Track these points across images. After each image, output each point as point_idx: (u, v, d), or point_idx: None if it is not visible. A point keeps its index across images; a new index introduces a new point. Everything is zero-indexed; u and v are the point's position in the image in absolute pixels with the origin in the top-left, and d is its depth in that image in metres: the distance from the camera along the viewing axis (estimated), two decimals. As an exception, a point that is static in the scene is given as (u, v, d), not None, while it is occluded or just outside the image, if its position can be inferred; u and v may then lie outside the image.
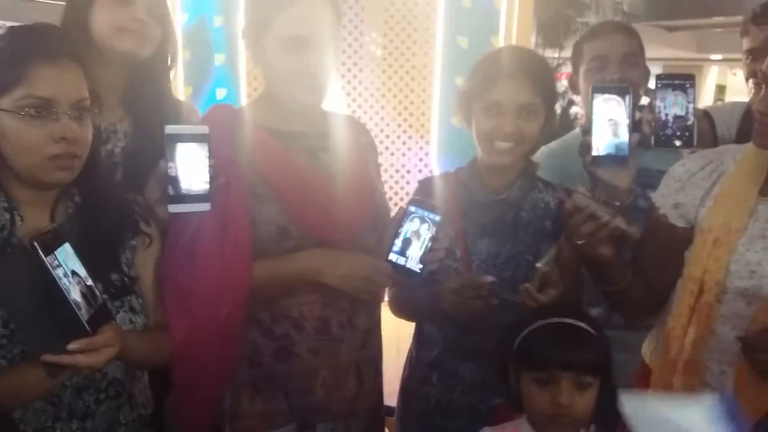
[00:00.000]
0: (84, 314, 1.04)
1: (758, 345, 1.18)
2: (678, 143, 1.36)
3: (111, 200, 1.27)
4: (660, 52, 10.25)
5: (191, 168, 1.26)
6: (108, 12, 1.54)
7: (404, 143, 2.99)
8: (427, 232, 1.31)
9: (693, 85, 1.36)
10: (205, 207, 1.27)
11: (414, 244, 1.31)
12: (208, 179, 1.27)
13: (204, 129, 1.28)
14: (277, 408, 1.42)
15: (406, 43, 2.92)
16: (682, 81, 1.36)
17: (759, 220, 1.24)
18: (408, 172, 3.02)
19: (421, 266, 1.32)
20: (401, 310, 1.62)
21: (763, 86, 1.19)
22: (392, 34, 2.90)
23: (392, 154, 3.00)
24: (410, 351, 1.67)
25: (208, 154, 1.27)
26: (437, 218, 1.31)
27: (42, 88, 1.10)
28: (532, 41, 2.99)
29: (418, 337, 1.63)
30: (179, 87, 2.67)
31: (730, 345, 1.23)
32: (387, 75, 2.95)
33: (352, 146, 1.49)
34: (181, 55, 2.63)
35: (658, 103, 1.35)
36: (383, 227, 1.44)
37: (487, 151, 1.48)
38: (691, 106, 1.35)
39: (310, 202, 1.37)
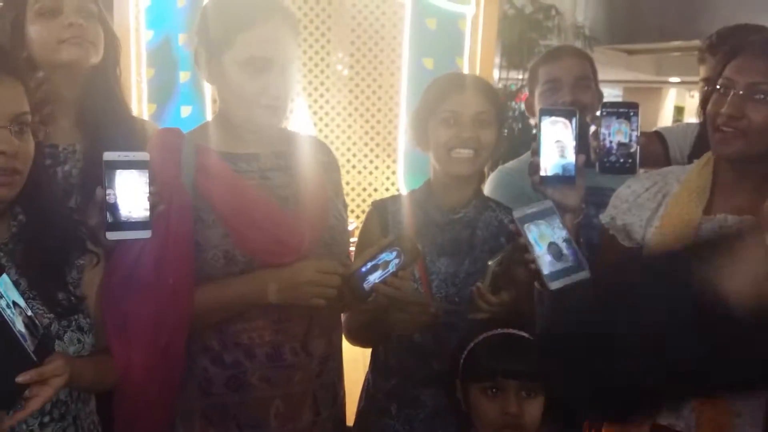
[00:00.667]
0: (30, 345, 1.01)
1: None
2: (621, 170, 1.39)
3: (56, 219, 1.25)
4: (620, 75, 10.49)
5: (131, 195, 1.23)
6: (39, 27, 1.48)
7: (371, 162, 3.00)
8: (393, 266, 1.30)
9: (637, 114, 1.40)
10: (145, 234, 1.25)
11: (378, 272, 1.31)
12: (148, 206, 1.24)
13: (144, 156, 1.25)
14: None
15: (372, 63, 2.94)
16: (626, 109, 1.40)
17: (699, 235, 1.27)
18: (375, 190, 3.03)
19: (368, 291, 1.31)
20: (355, 336, 1.59)
21: (732, 91, 1.22)
22: (359, 54, 2.92)
23: (359, 172, 3.01)
24: (366, 380, 1.64)
25: (148, 181, 1.24)
26: (409, 257, 1.30)
27: None
28: (496, 63, 3.04)
29: (374, 366, 1.61)
30: (143, 105, 2.65)
31: None
32: (354, 95, 2.97)
33: (309, 166, 1.46)
34: (146, 73, 2.62)
35: (602, 130, 1.40)
36: (340, 248, 1.44)
37: (446, 162, 1.51)
38: (634, 134, 1.39)
39: (254, 226, 1.33)
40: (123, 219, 1.23)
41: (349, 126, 2.99)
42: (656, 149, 1.93)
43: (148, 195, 1.24)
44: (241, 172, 1.38)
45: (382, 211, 1.58)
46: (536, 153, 1.39)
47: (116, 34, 1.62)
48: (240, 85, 1.33)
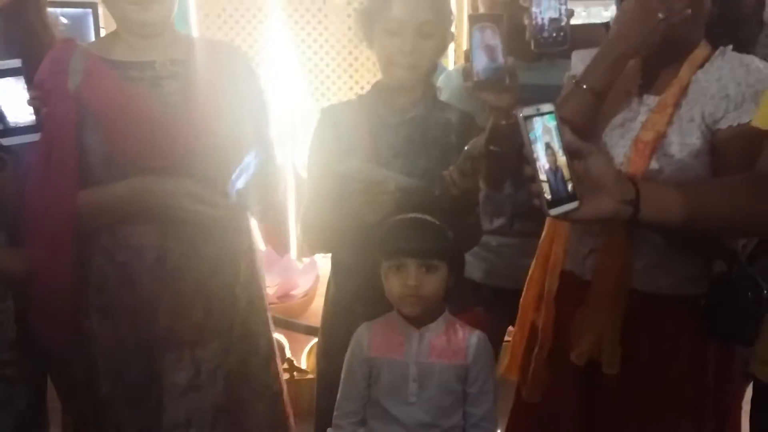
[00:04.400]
0: None
1: None
2: (554, 44, 1.44)
3: None
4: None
5: (13, 101, 1.33)
6: None
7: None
8: (252, 168, 1.39)
9: None
10: (35, 137, 1.36)
11: (243, 177, 1.39)
12: (32, 111, 1.34)
13: (16, 63, 1.33)
14: (124, 336, 1.49)
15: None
16: None
17: (626, 111, 1.42)
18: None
19: (234, 195, 1.39)
20: (314, 239, 1.67)
21: None
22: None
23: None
24: (329, 285, 1.72)
25: (26, 87, 1.33)
26: (257, 160, 1.39)
27: None
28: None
29: (335, 270, 1.69)
30: None
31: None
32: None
33: (210, 74, 1.50)
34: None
35: (533, 9, 1.43)
36: (231, 156, 1.45)
37: (389, 72, 1.55)
38: (563, 8, 1.43)
39: (128, 130, 1.42)
40: (12, 125, 1.34)
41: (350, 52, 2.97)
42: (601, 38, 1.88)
43: (29, 100, 1.34)
44: (130, 80, 1.46)
45: (333, 117, 1.61)
46: (468, 59, 1.43)
47: None
48: None
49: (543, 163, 1.01)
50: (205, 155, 1.46)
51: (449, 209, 1.47)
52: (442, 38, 1.56)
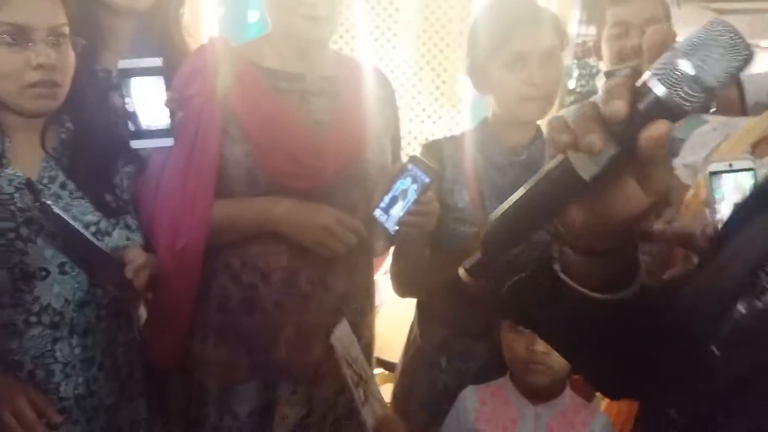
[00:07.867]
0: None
1: None
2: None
3: (101, 128, 1.30)
4: (707, 36, 9.94)
5: (149, 103, 1.23)
6: None
7: (435, 111, 2.93)
8: (413, 194, 1.25)
9: None
10: (167, 142, 1.26)
11: (399, 204, 1.26)
12: (168, 114, 1.24)
13: (157, 62, 1.23)
14: (239, 363, 1.37)
15: (443, 8, 2.84)
16: None
17: None
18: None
19: (396, 228, 1.26)
20: (407, 283, 1.53)
21: None
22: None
23: (422, 121, 2.96)
24: (412, 330, 1.59)
25: (164, 88, 1.23)
26: (426, 180, 1.24)
27: (17, 15, 1.10)
28: (576, 17, 2.89)
29: (422, 316, 1.56)
30: (212, 8, 2.44)
31: None
32: (422, 41, 2.88)
33: (359, 95, 1.40)
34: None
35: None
36: (372, 184, 1.37)
37: (515, 109, 1.40)
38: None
39: (275, 145, 1.31)
40: (144, 127, 1.25)
41: (415, 74, 2.92)
42: (731, 96, 1.80)
43: (166, 102, 1.24)
44: (280, 91, 1.35)
45: (435, 152, 1.48)
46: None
47: None
48: None
49: None
50: (349, 181, 1.36)
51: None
52: (562, 64, 1.44)
